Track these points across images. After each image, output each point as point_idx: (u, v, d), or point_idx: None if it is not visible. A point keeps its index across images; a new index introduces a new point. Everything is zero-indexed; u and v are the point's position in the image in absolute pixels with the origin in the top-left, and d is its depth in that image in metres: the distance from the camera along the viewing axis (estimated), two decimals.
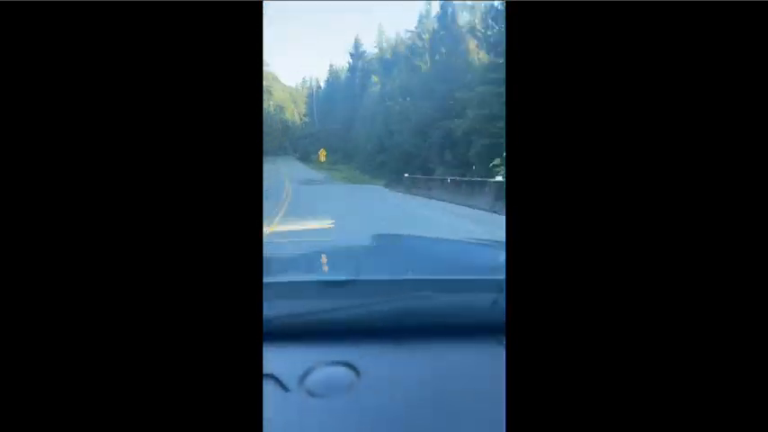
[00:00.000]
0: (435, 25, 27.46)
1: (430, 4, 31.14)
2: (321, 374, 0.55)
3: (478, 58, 20.92)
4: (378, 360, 0.58)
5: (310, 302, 0.67)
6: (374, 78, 34.05)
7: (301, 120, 51.05)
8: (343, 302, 0.64)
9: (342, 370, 0.55)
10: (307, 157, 36.96)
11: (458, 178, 13.15)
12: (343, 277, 0.77)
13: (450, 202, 11.13)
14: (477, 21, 23.37)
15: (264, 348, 0.53)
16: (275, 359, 0.54)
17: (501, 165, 10.58)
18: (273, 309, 0.61)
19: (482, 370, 0.56)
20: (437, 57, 25.89)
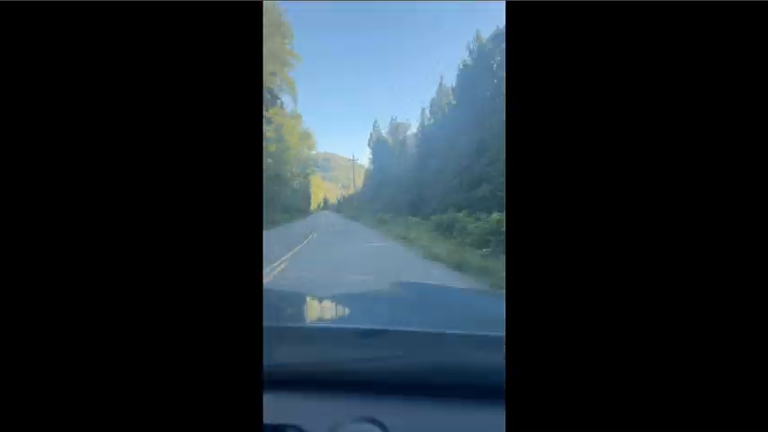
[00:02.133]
0: None
1: None
2: (349, 431, 0.51)
3: None
4: (409, 418, 0.53)
5: (340, 351, 0.63)
6: None
7: None
8: (375, 354, 0.60)
9: (369, 427, 0.52)
10: None
11: None
12: (375, 326, 0.71)
13: None
14: None
15: (290, 397, 0.52)
16: (300, 409, 0.52)
17: None
18: (300, 356, 0.59)
19: None
20: None
